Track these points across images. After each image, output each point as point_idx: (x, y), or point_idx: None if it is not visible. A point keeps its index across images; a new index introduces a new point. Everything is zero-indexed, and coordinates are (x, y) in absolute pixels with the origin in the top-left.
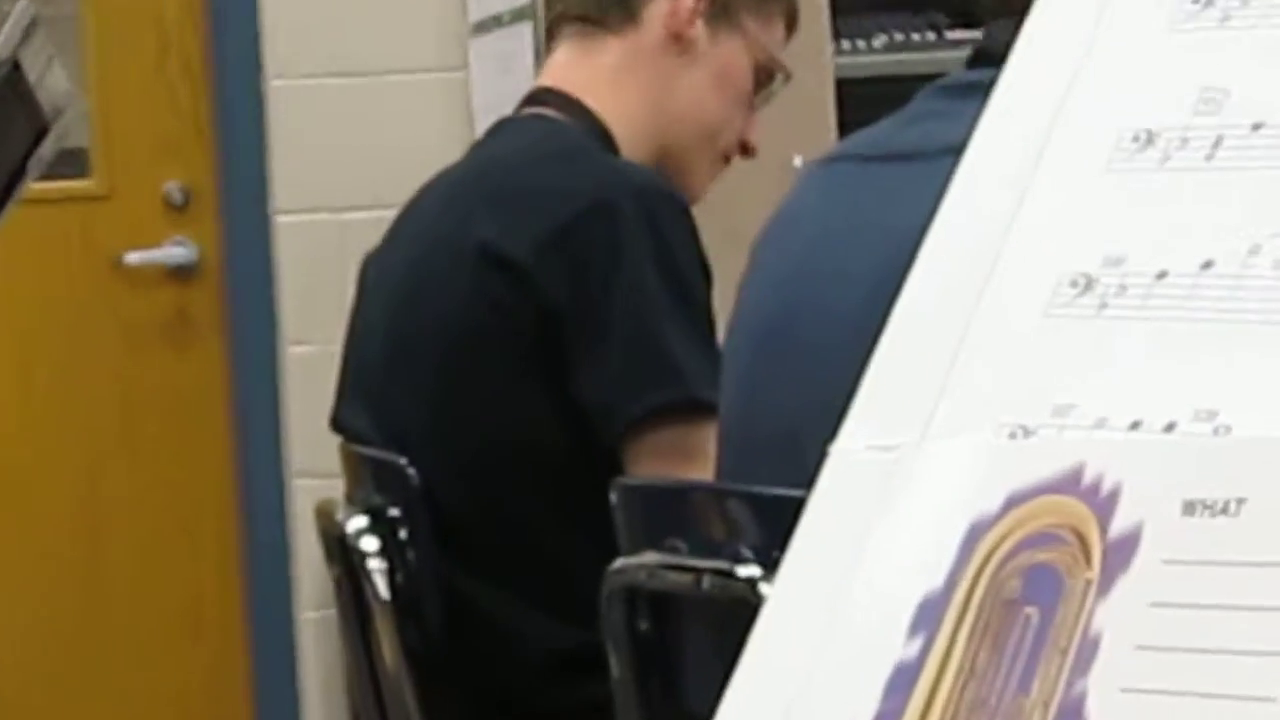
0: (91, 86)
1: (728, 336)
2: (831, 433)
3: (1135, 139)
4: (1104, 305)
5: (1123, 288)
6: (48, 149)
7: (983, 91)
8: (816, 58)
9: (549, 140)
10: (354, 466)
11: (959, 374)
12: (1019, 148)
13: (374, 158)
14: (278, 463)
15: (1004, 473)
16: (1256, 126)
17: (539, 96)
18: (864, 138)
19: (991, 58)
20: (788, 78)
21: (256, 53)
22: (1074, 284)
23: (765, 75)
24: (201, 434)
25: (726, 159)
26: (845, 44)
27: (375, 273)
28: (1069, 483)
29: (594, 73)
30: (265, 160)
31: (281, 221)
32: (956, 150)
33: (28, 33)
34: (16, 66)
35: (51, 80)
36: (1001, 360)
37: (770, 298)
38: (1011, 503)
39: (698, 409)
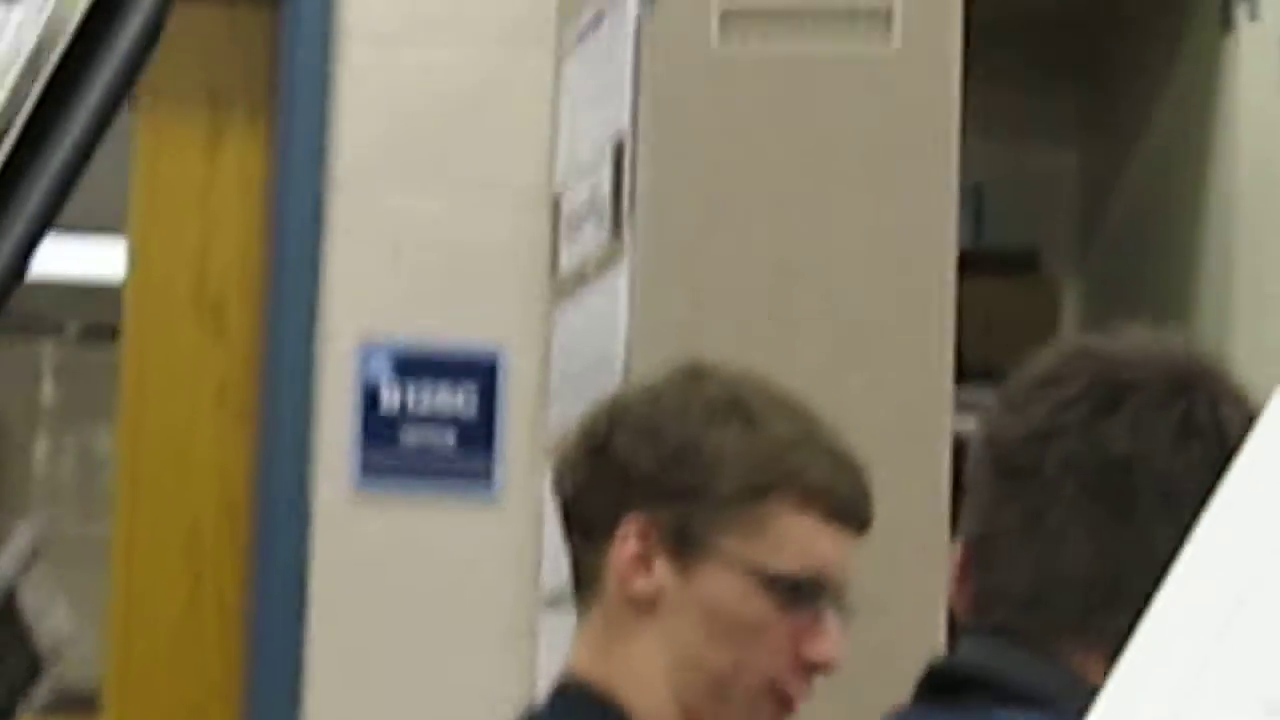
0: (115, 623)
1: None
2: None
3: None
4: None
5: None
6: (40, 693)
7: None
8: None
9: None
10: None
11: None
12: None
13: None
14: None
15: None
16: None
17: (563, 688)
18: None
19: (955, 680)
20: (834, 590)
21: (302, 594)
22: None
23: (796, 586)
24: None
25: (776, 697)
26: None
27: None
28: None
29: (595, 647)
30: None
31: None
32: None
33: (28, 563)
34: (11, 598)
35: (52, 619)
36: None
37: None
38: None
39: None
